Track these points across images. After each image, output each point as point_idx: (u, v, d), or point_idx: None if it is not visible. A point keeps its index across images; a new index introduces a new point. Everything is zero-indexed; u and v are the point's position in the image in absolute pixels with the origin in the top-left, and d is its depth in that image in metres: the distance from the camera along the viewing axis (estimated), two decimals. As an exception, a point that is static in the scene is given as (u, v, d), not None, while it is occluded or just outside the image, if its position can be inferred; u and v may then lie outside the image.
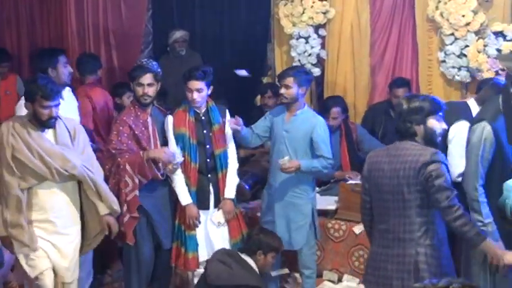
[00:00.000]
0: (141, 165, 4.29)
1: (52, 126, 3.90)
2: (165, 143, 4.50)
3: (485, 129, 3.42)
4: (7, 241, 3.91)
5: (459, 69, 5.41)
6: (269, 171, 4.73)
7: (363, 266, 4.86)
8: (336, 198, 5.15)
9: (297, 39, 6.05)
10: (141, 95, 4.36)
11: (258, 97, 6.24)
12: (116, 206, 4.08)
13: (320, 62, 6.11)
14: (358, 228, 4.86)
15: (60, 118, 3.95)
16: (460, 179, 3.74)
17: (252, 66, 6.15)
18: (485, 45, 5.24)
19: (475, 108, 3.94)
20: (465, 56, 5.35)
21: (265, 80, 6.52)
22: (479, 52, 5.26)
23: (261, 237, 4.24)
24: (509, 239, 3.40)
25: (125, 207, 4.30)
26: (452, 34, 5.40)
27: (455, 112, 3.98)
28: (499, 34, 5.20)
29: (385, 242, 3.42)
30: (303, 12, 5.96)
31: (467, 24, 5.31)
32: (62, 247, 3.98)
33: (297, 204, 4.55)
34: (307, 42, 6.02)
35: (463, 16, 5.30)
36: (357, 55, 6.00)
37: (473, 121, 3.65)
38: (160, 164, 4.37)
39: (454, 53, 5.41)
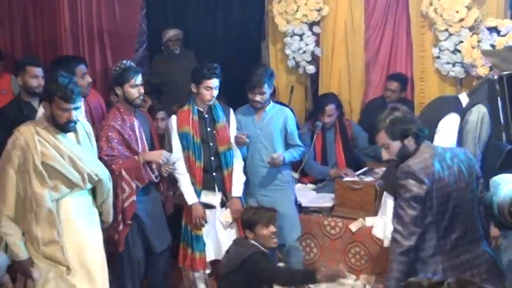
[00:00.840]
0: (138, 170, 4.26)
1: (70, 130, 3.61)
2: (151, 144, 4.49)
3: (481, 111, 3.45)
4: (24, 266, 3.56)
5: (453, 65, 5.41)
6: (248, 171, 4.76)
7: (359, 263, 4.88)
8: (332, 195, 5.15)
9: (291, 36, 6.04)
10: (137, 96, 4.33)
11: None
12: (110, 218, 3.99)
13: (315, 60, 6.10)
14: (355, 226, 4.87)
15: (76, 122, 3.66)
16: None
17: (247, 64, 6.14)
18: (479, 41, 5.24)
19: (465, 102, 3.94)
20: (459, 51, 5.35)
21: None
22: (473, 48, 5.25)
23: (249, 216, 3.99)
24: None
25: (120, 215, 4.24)
26: (447, 30, 5.40)
27: (446, 106, 4.03)
28: (493, 29, 5.20)
29: (461, 249, 3.16)
30: (297, 10, 5.95)
31: (461, 20, 5.31)
32: (91, 267, 3.71)
33: (284, 195, 4.76)
34: (301, 39, 6.02)
35: (457, 12, 5.30)
36: (351, 52, 5.99)
37: (465, 108, 3.68)
38: (153, 166, 4.35)
39: (448, 49, 5.41)
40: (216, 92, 4.48)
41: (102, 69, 6.50)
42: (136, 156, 4.28)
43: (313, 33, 6.04)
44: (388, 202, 4.34)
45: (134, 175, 4.25)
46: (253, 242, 3.92)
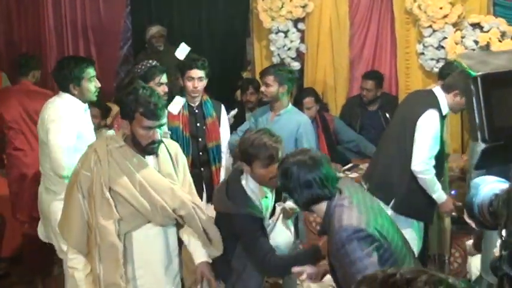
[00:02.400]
0: None
1: (153, 152, 2.98)
2: None
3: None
4: None
5: (437, 61, 5.44)
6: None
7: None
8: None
9: (276, 33, 6.04)
10: (162, 95, 4.29)
11: (238, 91, 6.24)
12: (221, 247, 3.21)
13: (300, 56, 6.11)
14: None
15: (160, 143, 3.01)
16: (419, 167, 3.88)
17: (232, 61, 6.16)
18: (462, 37, 5.27)
19: (441, 96, 3.98)
20: (443, 48, 5.39)
21: (244, 74, 6.52)
22: (457, 44, 5.29)
23: (246, 147, 3.15)
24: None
25: None
26: (430, 26, 5.43)
27: (422, 102, 4.03)
28: (476, 26, 5.23)
29: None
30: (282, 7, 5.95)
31: (445, 16, 5.35)
32: None
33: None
34: (286, 36, 6.02)
35: (441, 8, 5.33)
36: (336, 49, 6.01)
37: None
38: None
39: (432, 45, 5.44)
40: (199, 83, 4.43)
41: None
42: None
43: (298, 30, 6.04)
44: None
45: None
46: (246, 188, 3.21)
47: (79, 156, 3.14)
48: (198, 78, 4.43)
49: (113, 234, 2.87)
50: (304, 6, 5.94)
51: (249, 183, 3.19)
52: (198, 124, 4.51)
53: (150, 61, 4.51)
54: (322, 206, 2.68)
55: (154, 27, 6.45)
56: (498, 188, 1.55)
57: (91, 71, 3.93)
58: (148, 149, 2.94)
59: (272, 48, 6.08)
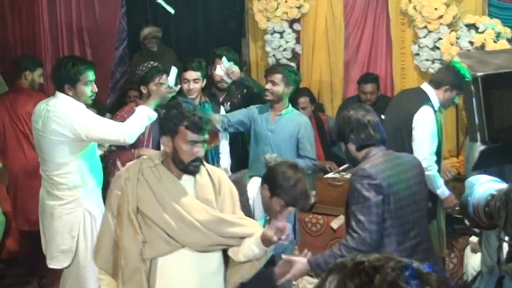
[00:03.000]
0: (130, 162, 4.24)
1: (196, 171, 2.78)
2: (158, 146, 4.47)
3: None
4: None
5: (433, 61, 5.45)
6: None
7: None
8: (314, 192, 5.16)
9: (272, 34, 6.04)
10: None
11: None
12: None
13: (295, 57, 6.11)
14: (336, 223, 4.88)
15: (202, 162, 2.83)
16: (423, 164, 3.81)
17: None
18: (457, 38, 5.29)
19: (430, 92, 4.04)
20: (438, 48, 5.40)
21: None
22: (452, 45, 5.30)
23: (277, 169, 3.05)
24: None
25: None
26: (426, 27, 5.44)
27: (414, 100, 4.08)
28: (471, 26, 5.25)
29: (417, 257, 2.84)
30: (277, 7, 5.96)
31: (440, 17, 5.36)
32: None
33: None
34: (281, 37, 6.03)
35: (436, 9, 5.34)
36: (331, 49, 6.02)
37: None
38: None
39: (427, 46, 5.46)
40: (195, 85, 4.46)
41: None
42: (133, 149, 4.27)
43: (294, 31, 6.05)
44: None
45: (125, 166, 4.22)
46: (252, 201, 3.15)
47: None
48: (193, 80, 4.43)
49: (137, 258, 2.69)
50: (299, 7, 5.95)
51: (257, 199, 3.14)
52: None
53: (152, 62, 4.50)
54: (363, 152, 2.99)
55: (147, 28, 6.44)
56: (494, 188, 1.55)
57: (89, 75, 3.86)
58: (191, 167, 2.73)
59: (268, 48, 6.09)
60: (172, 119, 2.70)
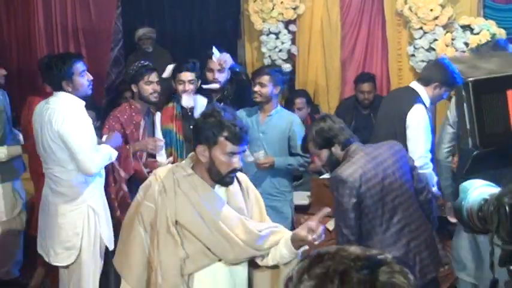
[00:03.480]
0: (126, 158, 4.25)
1: (231, 182, 2.64)
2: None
3: None
4: None
5: (428, 62, 5.46)
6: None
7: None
8: (308, 193, 5.16)
9: (267, 35, 6.04)
10: (151, 92, 4.36)
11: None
12: None
13: (291, 58, 6.12)
14: (331, 225, 4.88)
15: None
16: (419, 162, 3.86)
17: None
18: (453, 39, 5.30)
19: (420, 90, 4.05)
20: (434, 49, 5.41)
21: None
22: (447, 46, 5.32)
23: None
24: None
25: (116, 203, 4.28)
26: (421, 28, 5.45)
27: (405, 99, 4.09)
28: (467, 28, 5.26)
29: (407, 237, 3.41)
30: (273, 8, 5.95)
31: (436, 18, 5.38)
32: None
33: (276, 207, 4.40)
34: (277, 38, 6.02)
35: (431, 10, 5.36)
36: (327, 50, 6.02)
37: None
38: (144, 159, 4.36)
39: (423, 47, 5.47)
40: (190, 86, 4.45)
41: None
42: (127, 145, 4.29)
43: (289, 32, 6.05)
44: None
45: (122, 163, 4.25)
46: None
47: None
48: (188, 81, 4.43)
49: (177, 275, 2.54)
50: (295, 8, 5.95)
51: None
52: (191, 127, 4.51)
53: (142, 61, 4.54)
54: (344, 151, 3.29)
55: (142, 29, 6.43)
56: (487, 193, 1.55)
57: (80, 66, 3.88)
58: (227, 178, 2.59)
59: (263, 49, 6.08)
60: (211, 128, 2.51)
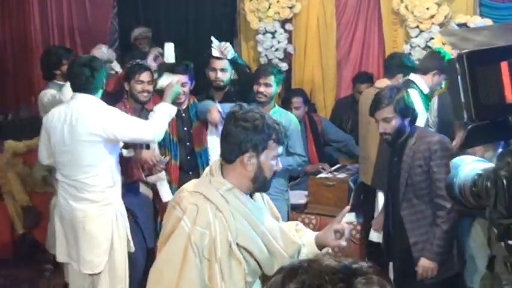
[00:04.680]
0: (125, 165, 4.23)
1: (269, 187, 2.47)
2: (147, 145, 4.47)
3: None
4: None
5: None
6: None
7: (333, 259, 4.87)
8: (306, 192, 5.15)
9: (264, 34, 6.04)
10: (141, 91, 4.34)
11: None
12: None
13: (287, 57, 6.11)
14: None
15: None
16: None
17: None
18: (449, 37, 5.30)
19: (417, 79, 4.22)
20: (430, 48, 5.40)
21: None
22: (443, 44, 5.30)
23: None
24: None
25: None
26: (417, 27, 5.45)
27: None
28: (463, 26, 5.25)
29: None
30: (269, 7, 5.96)
31: (432, 16, 5.37)
32: None
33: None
34: (273, 37, 6.02)
35: (428, 9, 5.36)
36: (323, 49, 6.02)
37: None
38: (145, 167, 4.32)
39: (419, 46, 5.46)
40: (183, 89, 4.41)
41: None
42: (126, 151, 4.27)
43: (286, 31, 6.04)
44: (380, 198, 4.35)
45: (123, 169, 4.22)
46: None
47: None
48: (181, 84, 4.40)
49: None
50: (291, 7, 5.95)
51: None
52: (185, 128, 4.50)
53: (137, 60, 4.53)
54: None
55: (138, 29, 6.44)
56: (480, 168, 1.53)
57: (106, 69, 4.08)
58: (269, 184, 2.40)
59: (260, 49, 6.08)
60: (260, 133, 2.29)
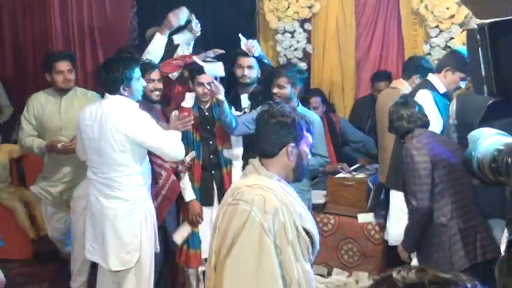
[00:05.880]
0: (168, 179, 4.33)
1: (304, 177, 2.76)
2: None
3: None
4: None
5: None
6: None
7: (351, 260, 4.85)
8: (324, 192, 5.13)
9: (283, 33, 6.04)
10: (151, 89, 4.35)
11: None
12: None
13: (306, 56, 6.10)
14: (363, 218, 4.84)
15: None
16: None
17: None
18: (470, 37, 5.25)
19: (433, 79, 4.28)
20: (450, 48, 5.36)
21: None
22: (464, 44, 5.25)
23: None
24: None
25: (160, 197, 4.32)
26: (437, 26, 5.42)
27: (414, 89, 4.39)
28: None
29: (471, 215, 3.68)
30: (288, 7, 5.96)
31: (452, 16, 5.34)
32: None
33: None
34: (292, 36, 6.02)
35: (448, 8, 5.33)
36: (342, 49, 6.00)
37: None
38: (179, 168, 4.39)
39: (439, 46, 5.43)
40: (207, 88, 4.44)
41: (93, 68, 6.45)
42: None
43: (305, 30, 6.04)
44: (396, 198, 4.30)
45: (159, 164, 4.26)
46: None
47: None
48: (207, 84, 4.41)
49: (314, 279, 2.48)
50: (310, 7, 5.95)
51: None
52: (209, 127, 4.51)
53: (147, 58, 4.51)
54: None
55: (153, 28, 6.41)
56: (500, 143, 1.47)
57: (138, 71, 3.94)
58: (306, 172, 2.64)
59: (278, 48, 6.08)
60: (297, 124, 2.50)
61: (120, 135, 3.77)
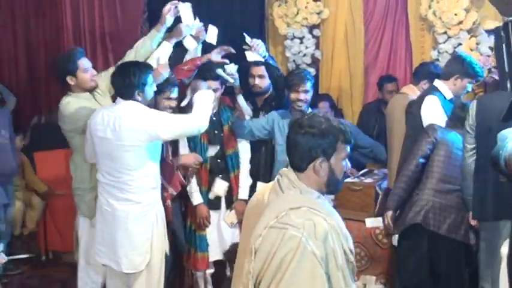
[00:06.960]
0: (172, 174, 4.30)
1: (339, 189, 2.50)
2: (175, 147, 4.50)
3: None
4: None
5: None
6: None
7: (359, 264, 4.85)
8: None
9: (292, 39, 6.09)
10: (167, 107, 4.31)
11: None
12: None
13: (315, 62, 6.14)
14: (371, 222, 4.86)
15: None
16: None
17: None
18: (477, 43, 5.29)
19: (440, 85, 4.29)
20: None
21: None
22: (472, 50, 5.30)
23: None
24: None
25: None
26: (445, 33, 5.45)
27: (421, 95, 4.41)
28: (491, 32, 5.23)
29: None
30: (297, 13, 6.01)
31: (460, 22, 5.37)
32: None
33: None
34: (301, 42, 6.06)
35: (456, 15, 5.35)
36: (351, 55, 6.04)
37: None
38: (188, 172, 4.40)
39: (447, 52, 5.45)
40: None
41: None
42: (171, 159, 4.30)
43: (313, 36, 6.08)
44: None
45: (168, 179, 4.25)
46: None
47: None
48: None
49: None
50: (319, 13, 5.99)
51: None
52: (216, 131, 4.53)
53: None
54: None
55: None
56: None
57: (151, 77, 3.94)
58: (340, 185, 2.40)
59: (287, 54, 6.13)
60: (328, 136, 2.29)
61: (138, 138, 3.75)
